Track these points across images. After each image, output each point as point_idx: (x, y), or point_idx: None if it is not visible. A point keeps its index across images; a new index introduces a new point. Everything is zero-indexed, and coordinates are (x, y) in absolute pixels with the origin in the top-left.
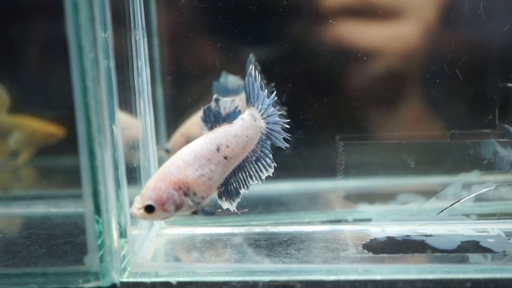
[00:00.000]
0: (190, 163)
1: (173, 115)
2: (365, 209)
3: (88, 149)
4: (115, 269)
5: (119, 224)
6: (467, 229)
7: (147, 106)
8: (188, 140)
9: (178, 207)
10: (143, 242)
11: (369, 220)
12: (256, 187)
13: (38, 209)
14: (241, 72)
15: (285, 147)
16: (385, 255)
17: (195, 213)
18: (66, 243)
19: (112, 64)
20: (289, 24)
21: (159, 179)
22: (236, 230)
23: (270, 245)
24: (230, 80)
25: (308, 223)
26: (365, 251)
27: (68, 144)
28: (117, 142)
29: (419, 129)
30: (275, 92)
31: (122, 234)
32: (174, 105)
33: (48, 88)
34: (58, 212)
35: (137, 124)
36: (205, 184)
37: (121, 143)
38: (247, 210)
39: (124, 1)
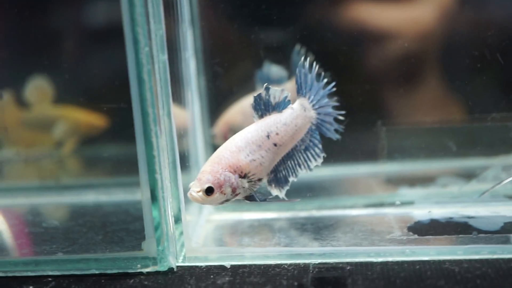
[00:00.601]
0: (242, 148)
1: (216, 104)
2: (406, 192)
3: (145, 139)
4: (171, 254)
5: (174, 210)
6: (509, 210)
7: (194, 96)
8: (231, 127)
9: (234, 189)
10: (195, 228)
11: (411, 203)
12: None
13: (89, 197)
14: (284, 62)
15: (336, 138)
16: (430, 236)
17: (248, 198)
18: (121, 230)
19: (166, 57)
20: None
21: (215, 163)
22: (282, 215)
23: (317, 229)
24: (273, 70)
25: (351, 207)
26: (410, 233)
27: (111, 134)
28: (172, 132)
29: (458, 113)
30: (332, 84)
31: (177, 220)
32: (218, 94)
33: (90, 79)
34: (109, 201)
35: (185, 114)
36: (257, 169)
37: (175, 133)
38: (298, 199)
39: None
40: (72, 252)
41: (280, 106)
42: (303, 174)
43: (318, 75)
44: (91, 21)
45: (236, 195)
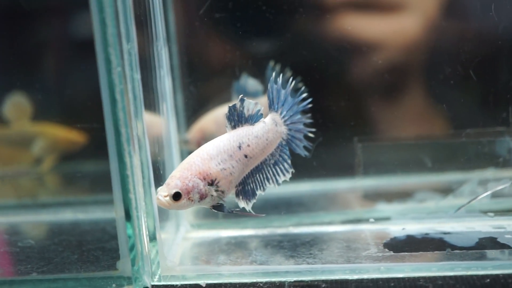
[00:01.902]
0: (213, 156)
1: (192, 116)
2: (383, 208)
3: (118, 159)
4: (146, 273)
5: (148, 229)
6: (484, 226)
7: (169, 111)
8: (204, 135)
9: (202, 196)
10: (171, 246)
11: (388, 219)
12: (277, 189)
13: (66, 215)
14: (260, 76)
15: (305, 155)
16: (406, 253)
17: (214, 207)
18: (97, 248)
19: (138, 76)
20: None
21: (185, 169)
22: (259, 232)
23: (294, 246)
24: (250, 83)
25: (329, 223)
26: (386, 250)
27: (89, 151)
28: (146, 151)
29: (434, 128)
30: (308, 100)
31: (152, 239)
32: (194, 108)
33: (68, 95)
34: (86, 218)
35: (160, 122)
36: (226, 178)
37: (149, 152)
38: (264, 215)
39: (146, 13)
40: (47, 272)
41: (252, 119)
42: (272, 189)
43: (295, 90)
44: (69, 38)
45: (203, 201)
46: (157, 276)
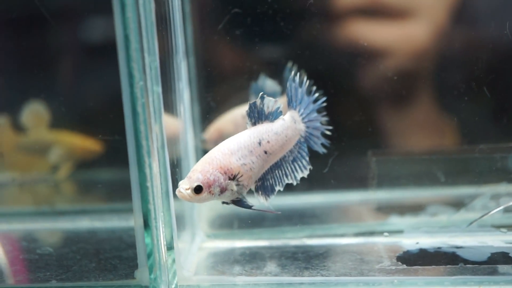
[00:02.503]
0: (234, 151)
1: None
2: (396, 221)
3: (139, 171)
4: (163, 282)
5: (166, 238)
6: (496, 241)
7: (188, 122)
8: (222, 134)
9: (222, 190)
10: (187, 256)
11: (401, 232)
12: (291, 200)
13: (83, 223)
14: (278, 79)
15: (322, 152)
16: (419, 267)
17: (235, 203)
18: (114, 257)
19: (159, 89)
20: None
21: (206, 163)
22: (274, 243)
23: (307, 258)
24: (268, 84)
25: (342, 235)
26: (399, 263)
27: (105, 159)
28: (165, 162)
29: (446, 140)
30: (323, 99)
31: (170, 248)
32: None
33: (87, 103)
34: (103, 227)
35: (177, 123)
36: (246, 174)
37: (168, 164)
38: (280, 212)
39: (167, 28)
40: (66, 280)
41: (272, 116)
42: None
43: (309, 90)
44: (89, 46)
45: (223, 195)
46: (173, 286)
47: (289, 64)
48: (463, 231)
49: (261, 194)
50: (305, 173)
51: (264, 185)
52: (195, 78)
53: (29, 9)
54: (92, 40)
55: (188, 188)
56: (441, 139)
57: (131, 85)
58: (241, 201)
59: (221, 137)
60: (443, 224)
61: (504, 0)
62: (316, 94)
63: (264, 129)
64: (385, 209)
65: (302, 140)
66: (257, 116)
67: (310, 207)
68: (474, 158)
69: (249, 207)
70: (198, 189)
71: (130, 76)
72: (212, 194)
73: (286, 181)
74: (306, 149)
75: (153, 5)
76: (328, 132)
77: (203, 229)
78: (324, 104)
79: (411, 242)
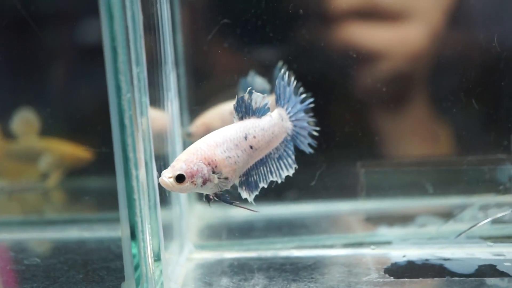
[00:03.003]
0: (219, 144)
1: None
2: (385, 232)
3: (126, 183)
4: None
5: (153, 249)
6: (484, 253)
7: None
8: (208, 129)
9: (205, 181)
10: (174, 267)
11: (389, 243)
12: (280, 210)
13: (72, 233)
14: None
15: (309, 152)
16: (406, 279)
17: (218, 197)
18: (102, 268)
19: (147, 100)
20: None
21: (190, 153)
22: (262, 254)
23: (296, 270)
24: (257, 81)
25: (331, 246)
26: (387, 275)
27: (95, 166)
28: (153, 175)
29: (438, 151)
30: (310, 100)
31: (156, 259)
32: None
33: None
34: (91, 237)
35: (164, 117)
36: (231, 167)
37: (155, 175)
38: (258, 211)
39: (156, 39)
40: None
41: (260, 112)
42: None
43: (297, 90)
44: (80, 53)
45: (205, 187)
46: None
47: (280, 64)
48: (451, 242)
49: (245, 189)
50: (290, 172)
51: (248, 181)
52: (184, 88)
53: (18, 15)
54: (83, 48)
55: (171, 177)
56: (432, 148)
57: (119, 97)
58: (223, 196)
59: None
60: (432, 235)
61: (500, 3)
62: (304, 95)
63: (251, 124)
64: (374, 220)
65: (289, 138)
66: (244, 110)
67: (300, 217)
68: (463, 170)
69: (231, 202)
70: (180, 178)
71: (118, 88)
72: (195, 184)
73: (271, 178)
74: (292, 148)
75: (140, 17)
76: (315, 133)
77: (191, 239)
78: (312, 105)
79: (399, 254)
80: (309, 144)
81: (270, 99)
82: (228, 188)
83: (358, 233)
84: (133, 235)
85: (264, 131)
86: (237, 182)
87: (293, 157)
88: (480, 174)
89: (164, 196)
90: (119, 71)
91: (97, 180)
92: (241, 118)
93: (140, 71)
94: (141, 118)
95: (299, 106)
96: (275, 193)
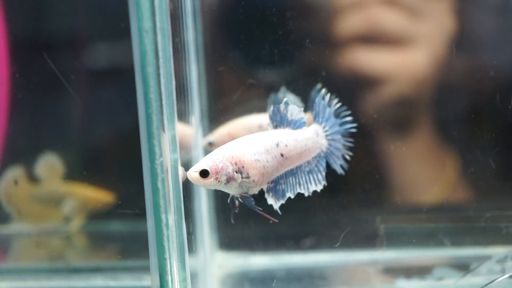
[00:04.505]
0: (249, 146)
1: None
2: (403, 284)
3: (158, 245)
4: None
5: None
6: None
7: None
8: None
9: (229, 180)
10: None
11: None
12: (299, 258)
13: (97, 282)
14: None
15: (340, 173)
16: None
17: (243, 198)
18: None
19: (177, 156)
20: None
21: (219, 151)
22: None
23: None
24: (289, 98)
25: None
26: None
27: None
28: (182, 234)
29: (453, 209)
30: (352, 125)
31: None
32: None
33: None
34: (116, 286)
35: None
36: (258, 170)
37: (185, 232)
38: (277, 220)
39: (183, 70)
40: None
41: (295, 124)
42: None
43: (338, 113)
44: (105, 104)
45: (229, 186)
46: None
47: (319, 86)
48: None
49: (271, 196)
50: (319, 187)
51: (275, 188)
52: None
53: (49, 71)
54: (110, 98)
55: (196, 171)
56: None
57: (152, 161)
58: (248, 199)
59: None
60: None
61: (502, 30)
62: (346, 118)
63: (284, 133)
64: (393, 272)
65: (323, 155)
66: (279, 120)
67: (319, 266)
68: (482, 226)
69: (254, 207)
70: (204, 173)
71: (151, 152)
72: (219, 181)
73: (298, 190)
74: (324, 165)
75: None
76: (348, 157)
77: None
78: (354, 130)
79: None
80: (341, 166)
81: (306, 116)
82: (255, 192)
83: (376, 285)
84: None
85: (297, 142)
86: (265, 187)
87: (323, 173)
88: (497, 230)
89: (190, 243)
90: (153, 136)
91: (119, 225)
92: (275, 127)
93: (173, 134)
94: (172, 178)
95: (337, 128)
96: (294, 241)
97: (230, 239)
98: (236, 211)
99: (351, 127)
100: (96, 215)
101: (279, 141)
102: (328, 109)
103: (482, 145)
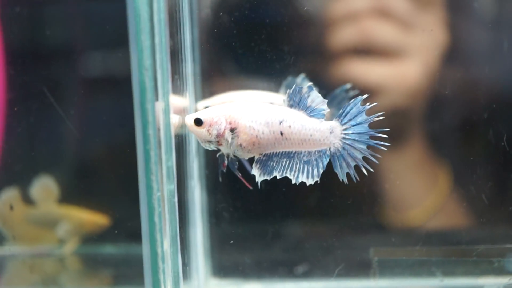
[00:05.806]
0: (250, 112)
1: None
2: None
3: (153, 276)
4: None
5: None
6: None
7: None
8: None
9: (219, 135)
10: None
11: None
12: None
13: None
14: None
15: (342, 180)
16: None
17: (228, 161)
18: None
19: (174, 187)
20: None
21: (218, 107)
22: None
23: None
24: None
25: None
26: None
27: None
28: (177, 265)
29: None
30: (385, 144)
31: None
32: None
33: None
34: None
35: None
36: (250, 137)
37: (180, 263)
38: (251, 188)
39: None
40: None
41: (312, 111)
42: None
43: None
44: (101, 127)
45: (218, 141)
46: None
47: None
48: None
49: (258, 167)
50: (309, 181)
51: (266, 163)
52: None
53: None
54: (106, 122)
55: (192, 118)
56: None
57: (149, 196)
58: (232, 162)
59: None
60: None
61: (494, 42)
62: (375, 131)
63: (293, 114)
64: None
65: (328, 153)
66: (297, 101)
67: None
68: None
69: (235, 170)
70: (198, 122)
71: (149, 188)
72: (210, 134)
73: (287, 175)
74: (325, 163)
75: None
76: (364, 170)
77: None
78: (384, 148)
79: None
80: (347, 174)
81: (328, 110)
82: (244, 157)
83: None
84: None
85: (303, 127)
86: (256, 157)
87: (320, 170)
88: (488, 264)
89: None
90: (151, 172)
91: (114, 248)
92: (290, 106)
93: (170, 166)
94: (168, 208)
95: (365, 138)
96: (287, 268)
97: (224, 266)
98: (224, 170)
99: (380, 144)
100: (91, 238)
101: (284, 119)
102: (360, 115)
103: (474, 157)
